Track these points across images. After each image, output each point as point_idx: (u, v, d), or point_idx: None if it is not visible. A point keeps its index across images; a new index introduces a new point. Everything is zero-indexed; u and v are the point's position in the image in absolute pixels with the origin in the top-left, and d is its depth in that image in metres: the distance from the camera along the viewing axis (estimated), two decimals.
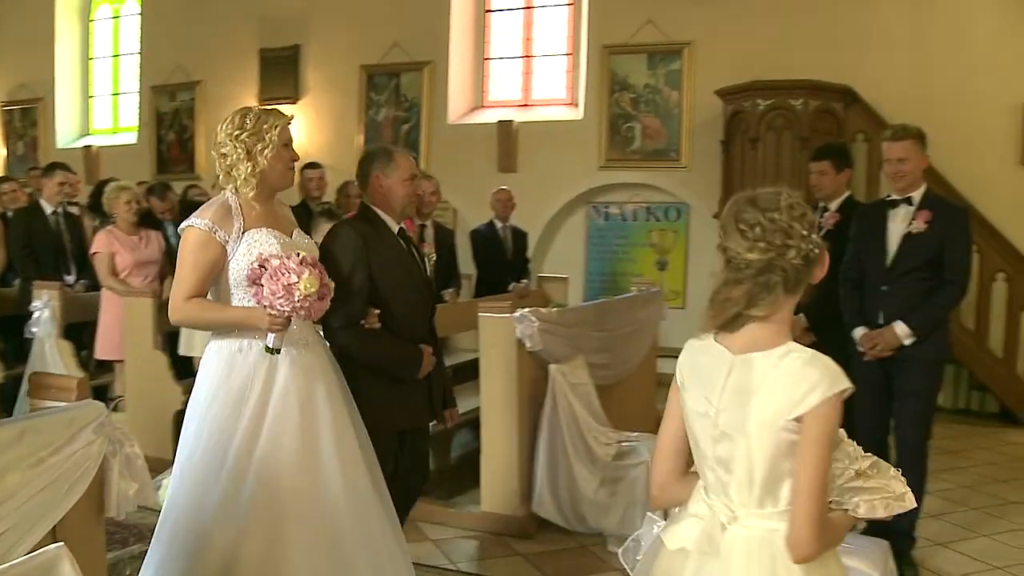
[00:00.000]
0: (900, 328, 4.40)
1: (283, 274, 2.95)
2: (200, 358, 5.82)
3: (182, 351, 6.08)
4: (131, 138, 12.14)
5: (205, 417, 3.15)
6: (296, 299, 2.95)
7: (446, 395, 4.06)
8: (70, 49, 12.82)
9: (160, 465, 5.38)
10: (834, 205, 5.22)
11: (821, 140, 7.82)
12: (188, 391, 6.04)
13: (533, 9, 10.30)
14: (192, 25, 11.30)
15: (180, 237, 3.23)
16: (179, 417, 5.96)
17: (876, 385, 4.52)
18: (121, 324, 6.20)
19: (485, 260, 7.57)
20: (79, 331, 6.77)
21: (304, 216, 6.72)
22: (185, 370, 6.19)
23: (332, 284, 3.17)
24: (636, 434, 5.35)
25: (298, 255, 3.02)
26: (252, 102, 10.97)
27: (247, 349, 3.15)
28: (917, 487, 4.38)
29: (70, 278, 6.91)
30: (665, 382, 8.01)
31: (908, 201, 4.51)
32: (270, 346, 3.06)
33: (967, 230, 4.55)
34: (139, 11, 12.15)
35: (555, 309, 5.45)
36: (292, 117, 3.39)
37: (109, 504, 2.51)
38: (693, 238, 9.54)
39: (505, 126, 9.90)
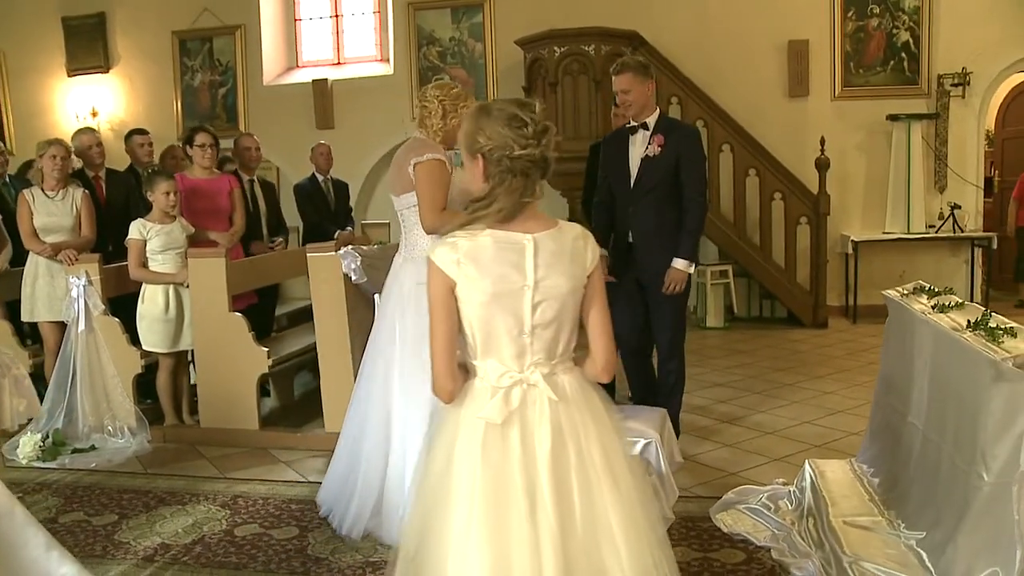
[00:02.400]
0: (680, 263, 4.83)
1: None
2: (45, 322, 6.15)
3: (25, 318, 6.26)
4: None
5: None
6: None
7: None
8: None
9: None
10: None
11: (611, 82, 8.67)
12: (34, 356, 6.35)
13: None
14: None
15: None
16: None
17: (632, 294, 5.05)
18: None
19: (310, 212, 7.89)
20: None
21: (134, 179, 7.00)
22: (30, 336, 6.44)
23: None
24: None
25: None
26: (60, 73, 10.96)
27: None
28: (678, 382, 5.18)
29: None
30: None
31: (644, 126, 4.90)
32: None
33: (699, 149, 4.99)
34: None
35: (376, 246, 5.98)
36: None
37: (3, 418, 2.93)
38: None
39: (320, 84, 10.24)
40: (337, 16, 10.66)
